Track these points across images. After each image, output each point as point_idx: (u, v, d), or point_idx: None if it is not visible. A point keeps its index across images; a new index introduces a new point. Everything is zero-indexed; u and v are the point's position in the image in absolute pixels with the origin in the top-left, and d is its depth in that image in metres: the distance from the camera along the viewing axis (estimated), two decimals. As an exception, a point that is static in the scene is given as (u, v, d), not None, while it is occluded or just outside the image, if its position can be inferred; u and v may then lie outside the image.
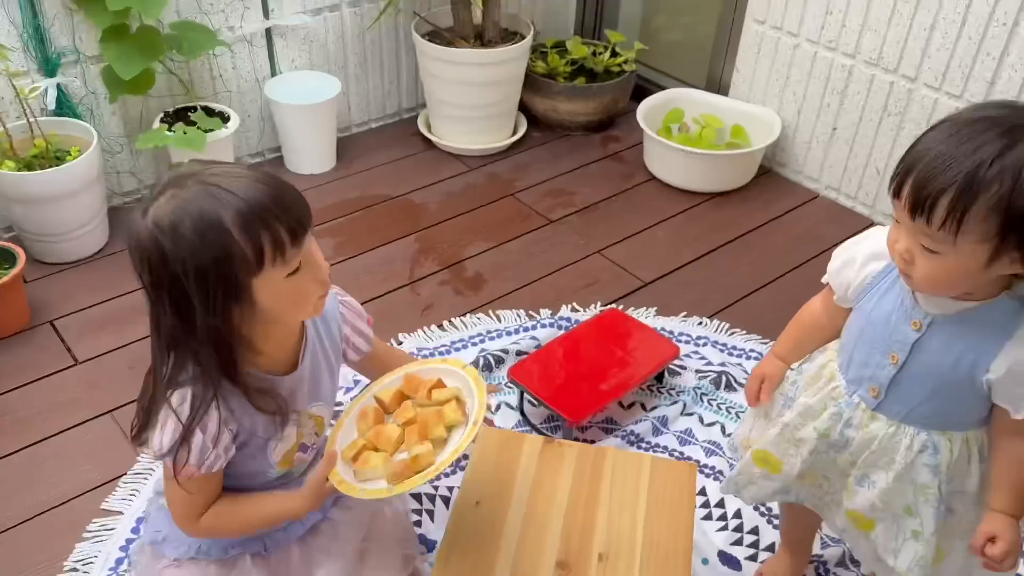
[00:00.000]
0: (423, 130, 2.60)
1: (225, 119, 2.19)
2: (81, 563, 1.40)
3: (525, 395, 1.71)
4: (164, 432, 1.01)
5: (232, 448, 1.06)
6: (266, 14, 2.29)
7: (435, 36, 2.47)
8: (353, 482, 1.09)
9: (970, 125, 0.89)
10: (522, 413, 1.73)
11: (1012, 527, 1.03)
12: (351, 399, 1.21)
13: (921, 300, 1.02)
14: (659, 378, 1.79)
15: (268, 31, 2.32)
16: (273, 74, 2.38)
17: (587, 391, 1.67)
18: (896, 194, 0.94)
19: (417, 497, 1.53)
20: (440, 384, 1.17)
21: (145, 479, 1.53)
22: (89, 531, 1.45)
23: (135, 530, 1.44)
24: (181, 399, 1.00)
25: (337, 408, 1.24)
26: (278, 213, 0.93)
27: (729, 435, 1.68)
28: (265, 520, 1.14)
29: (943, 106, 2.09)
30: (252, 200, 0.92)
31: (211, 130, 2.09)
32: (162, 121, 2.14)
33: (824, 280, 1.15)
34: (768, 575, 1.44)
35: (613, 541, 1.19)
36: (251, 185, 0.93)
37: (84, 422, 1.66)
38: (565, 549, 1.17)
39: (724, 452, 1.65)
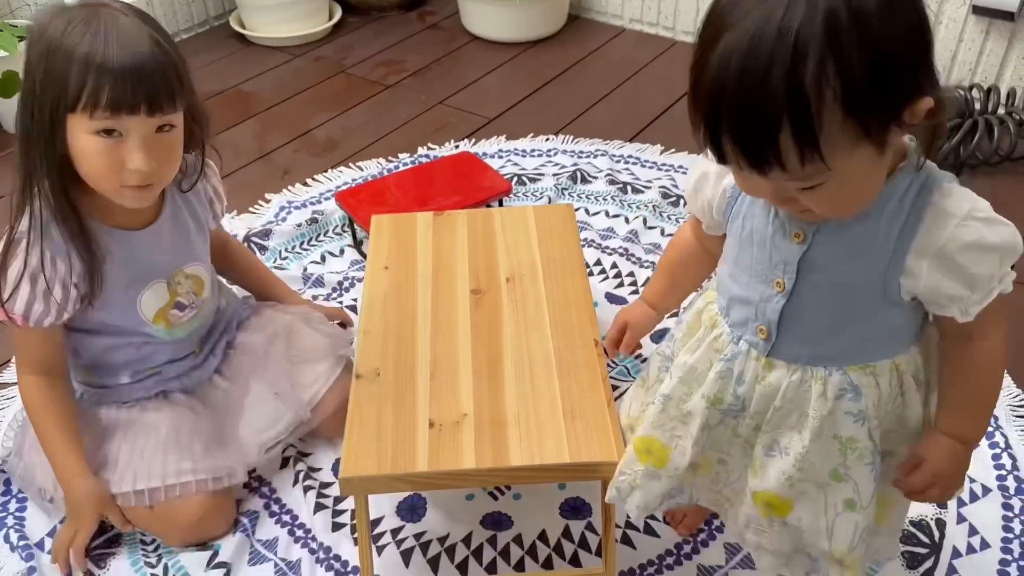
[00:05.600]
0: (237, 28, 2.57)
1: (27, 30, 2.09)
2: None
3: (355, 225, 1.74)
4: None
5: (68, 306, 1.07)
6: (46, -80, 2.18)
7: (231, -72, 2.44)
8: None
9: (748, 33, 0.63)
10: (359, 250, 1.76)
11: (943, 449, 0.82)
12: None
13: None
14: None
15: (52, -62, 2.21)
16: (67, -14, 2.28)
17: (402, 210, 1.65)
18: (721, 158, 0.69)
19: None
20: None
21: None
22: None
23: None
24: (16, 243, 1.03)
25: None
26: (119, 75, 0.95)
27: (593, 214, 1.84)
28: (49, 445, 1.12)
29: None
30: (107, 53, 0.95)
31: (22, 38, 1.99)
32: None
33: (686, 210, 1.01)
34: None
35: (515, 266, 1.31)
36: (124, 42, 0.96)
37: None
38: (475, 280, 1.28)
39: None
